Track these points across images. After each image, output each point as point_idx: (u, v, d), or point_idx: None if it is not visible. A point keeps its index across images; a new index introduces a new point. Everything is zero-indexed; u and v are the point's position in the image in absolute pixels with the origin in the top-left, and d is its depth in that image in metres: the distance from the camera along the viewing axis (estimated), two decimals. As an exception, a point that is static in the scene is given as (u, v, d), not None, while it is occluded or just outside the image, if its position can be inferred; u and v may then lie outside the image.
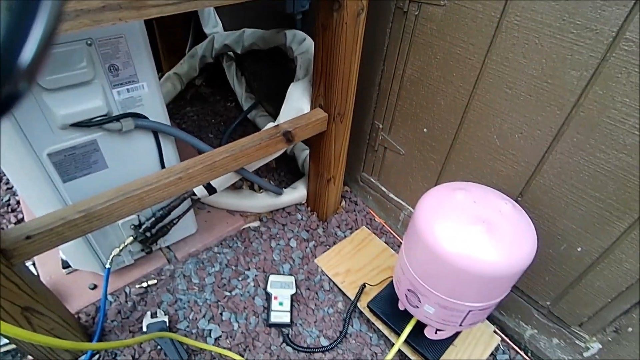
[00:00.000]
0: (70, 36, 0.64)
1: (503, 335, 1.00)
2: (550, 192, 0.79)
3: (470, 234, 0.67)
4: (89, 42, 0.66)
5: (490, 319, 1.03)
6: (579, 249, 0.78)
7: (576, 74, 0.66)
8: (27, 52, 0.17)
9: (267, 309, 1.00)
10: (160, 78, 1.35)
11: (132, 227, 0.94)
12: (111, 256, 0.91)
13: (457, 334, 0.94)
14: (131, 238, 0.93)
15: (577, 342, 0.87)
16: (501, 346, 0.99)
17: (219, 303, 1.02)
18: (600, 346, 0.83)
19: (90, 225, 0.72)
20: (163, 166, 0.90)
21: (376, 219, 1.29)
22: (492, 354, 0.96)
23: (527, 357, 0.98)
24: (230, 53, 1.62)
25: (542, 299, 0.90)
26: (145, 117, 0.81)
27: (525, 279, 0.91)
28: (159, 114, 0.83)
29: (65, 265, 1.03)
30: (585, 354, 0.86)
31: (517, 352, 0.98)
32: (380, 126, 1.12)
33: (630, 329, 0.76)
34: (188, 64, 1.48)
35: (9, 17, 0.16)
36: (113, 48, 0.70)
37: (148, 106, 0.80)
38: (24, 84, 0.17)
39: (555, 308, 0.88)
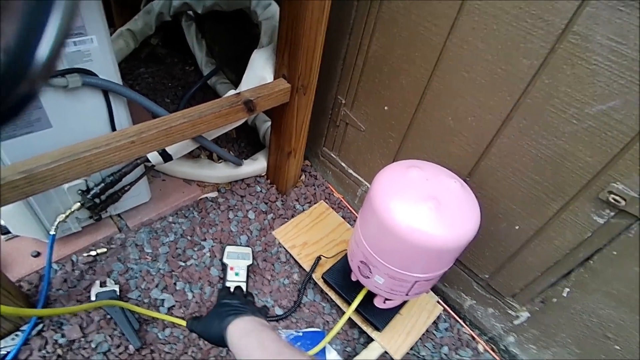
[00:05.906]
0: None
1: (445, 305, 1.08)
2: (496, 174, 0.84)
3: (421, 210, 0.70)
4: (28, -14, 0.60)
5: (435, 290, 1.11)
6: (517, 227, 0.85)
7: (527, 62, 0.70)
8: (42, 51, 0.16)
9: (223, 279, 1.01)
10: (111, 34, 1.25)
11: (80, 192, 0.89)
12: (56, 222, 0.87)
13: (403, 303, 1.00)
14: (78, 204, 0.88)
15: (509, 311, 0.95)
16: (443, 315, 1.07)
17: (173, 273, 1.01)
18: (529, 315, 0.92)
19: (32, 188, 0.68)
20: (114, 129, 0.86)
21: (334, 194, 1.31)
22: (434, 322, 1.04)
23: (465, 325, 1.06)
24: (191, 12, 1.53)
25: (481, 272, 0.98)
26: (94, 74, 0.75)
27: (468, 254, 0.98)
28: (109, 72, 0.78)
29: (5, 231, 0.97)
30: (515, 322, 0.95)
31: (457, 321, 1.07)
32: (343, 101, 1.12)
33: (555, 300, 0.85)
34: (143, 20, 1.38)
35: (23, 15, 0.16)
36: (57, -4, 0.63)
37: (97, 62, 0.75)
38: (39, 83, 0.17)
39: (493, 281, 0.96)
